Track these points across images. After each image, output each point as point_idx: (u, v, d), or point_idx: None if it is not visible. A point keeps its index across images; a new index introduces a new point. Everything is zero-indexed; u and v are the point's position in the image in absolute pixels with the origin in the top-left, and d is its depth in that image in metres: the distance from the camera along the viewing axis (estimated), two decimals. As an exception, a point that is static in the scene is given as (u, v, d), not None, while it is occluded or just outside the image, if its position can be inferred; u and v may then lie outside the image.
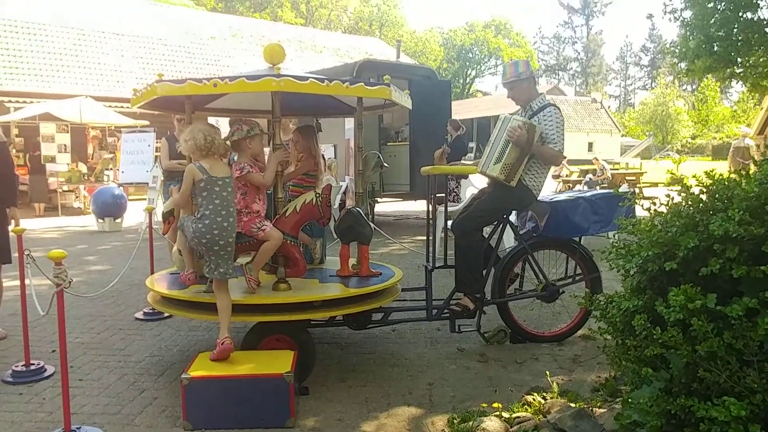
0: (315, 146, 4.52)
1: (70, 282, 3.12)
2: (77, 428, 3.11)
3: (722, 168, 2.03)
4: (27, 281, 4.03)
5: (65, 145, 15.90)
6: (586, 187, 16.11)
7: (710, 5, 11.26)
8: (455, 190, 10.32)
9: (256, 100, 4.86)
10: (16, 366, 4.03)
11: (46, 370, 4.03)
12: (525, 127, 4.21)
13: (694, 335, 1.69)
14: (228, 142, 3.91)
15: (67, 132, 15.90)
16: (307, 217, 4.05)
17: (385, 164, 9.62)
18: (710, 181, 1.95)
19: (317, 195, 4.03)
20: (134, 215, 12.33)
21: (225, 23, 29.10)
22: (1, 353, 4.44)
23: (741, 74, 12.55)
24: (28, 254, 3.99)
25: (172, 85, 3.73)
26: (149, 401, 3.59)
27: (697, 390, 1.71)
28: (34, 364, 4.03)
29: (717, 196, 1.88)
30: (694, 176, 2.04)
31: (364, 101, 4.44)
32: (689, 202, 1.98)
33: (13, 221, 4.73)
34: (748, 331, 1.62)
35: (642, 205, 2.33)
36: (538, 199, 4.57)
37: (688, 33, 12.51)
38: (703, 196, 1.97)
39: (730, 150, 15.53)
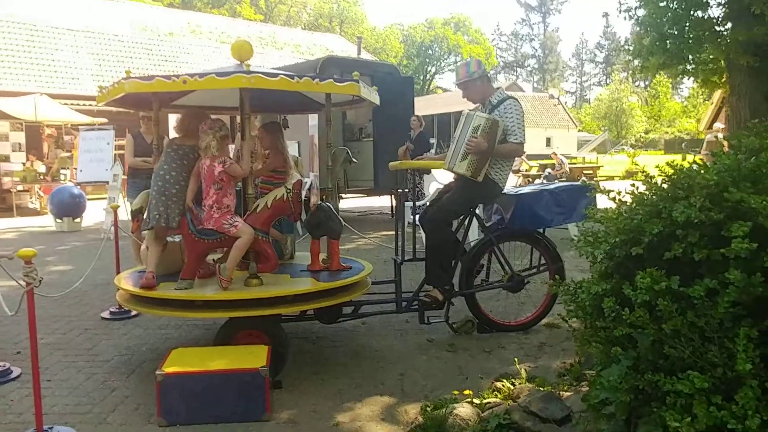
0: (281, 142, 4.54)
1: (40, 281, 3.08)
2: (49, 428, 3.08)
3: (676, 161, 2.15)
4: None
5: (20, 144, 15.51)
6: (545, 181, 16.42)
7: (663, 4, 11.57)
8: (419, 185, 10.43)
9: (222, 96, 4.85)
10: (-20, 368, 3.95)
11: (12, 371, 3.96)
12: (488, 124, 4.30)
13: (659, 315, 1.79)
14: (219, 136, 3.90)
15: (22, 130, 15.50)
16: (278, 212, 4.07)
17: (354, 160, 9.67)
18: (672, 171, 2.06)
19: (288, 191, 4.05)
20: (93, 215, 12.09)
21: (183, 19, 28.65)
22: (-37, 356, 4.34)
23: (692, 71, 12.94)
24: (-8, 254, 3.93)
25: (140, 81, 3.71)
26: (121, 399, 3.57)
27: (663, 366, 1.82)
28: (-1, 366, 3.96)
29: (679, 185, 1.99)
30: (656, 167, 2.15)
31: (333, 98, 4.47)
32: (653, 191, 2.09)
33: None
34: (709, 309, 1.73)
35: (608, 196, 2.43)
36: (504, 191, 4.68)
37: (642, 31, 12.84)
38: (666, 185, 2.09)
39: (703, 144, 16.01)
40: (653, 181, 2.13)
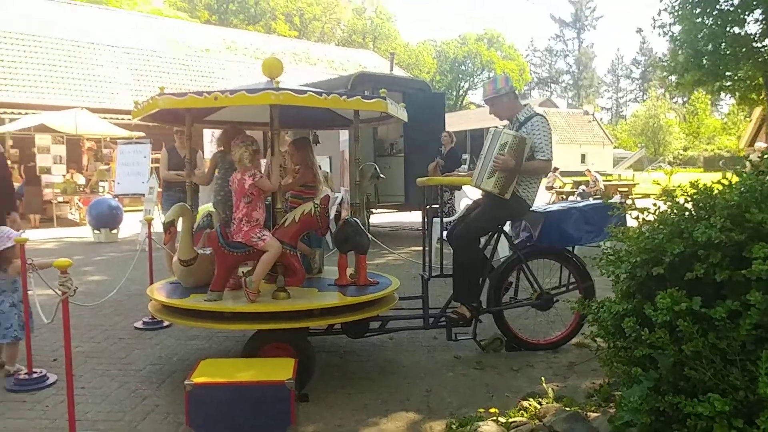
0: (311, 158, 4.62)
1: (75, 290, 3.19)
2: (82, 434, 3.17)
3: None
4: (30, 290, 4.08)
5: (61, 157, 15.99)
6: (579, 198, 16.27)
7: (698, 20, 11.46)
8: (450, 201, 10.44)
9: (254, 112, 4.95)
10: (18, 374, 4.08)
11: (48, 378, 4.08)
12: (515, 141, 4.31)
13: (680, 336, 1.78)
14: (252, 150, 4.01)
15: (63, 143, 15.99)
16: (305, 227, 4.13)
17: (382, 175, 9.71)
18: (694, 191, 2.05)
19: (316, 205, 4.11)
20: (130, 226, 12.37)
21: (219, 36, 29.27)
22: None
23: (729, 87, 12.76)
24: (30, 263, 4.07)
25: (174, 98, 3.82)
26: (151, 408, 3.65)
27: (684, 388, 1.80)
28: (36, 372, 4.08)
29: (701, 204, 1.99)
30: (679, 186, 2.14)
31: (360, 114, 4.54)
32: (675, 211, 2.08)
33: (14, 226, 4.84)
34: (731, 331, 1.72)
35: (631, 215, 2.43)
36: (532, 209, 4.67)
37: (678, 47, 12.73)
38: (689, 205, 2.08)
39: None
40: (675, 200, 2.12)
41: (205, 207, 5.01)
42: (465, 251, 4.59)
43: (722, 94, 14.60)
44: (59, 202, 15.15)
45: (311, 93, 3.82)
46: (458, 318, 4.56)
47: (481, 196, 4.84)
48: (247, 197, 3.95)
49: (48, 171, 15.49)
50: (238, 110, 4.91)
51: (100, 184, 15.44)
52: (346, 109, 4.40)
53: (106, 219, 11.53)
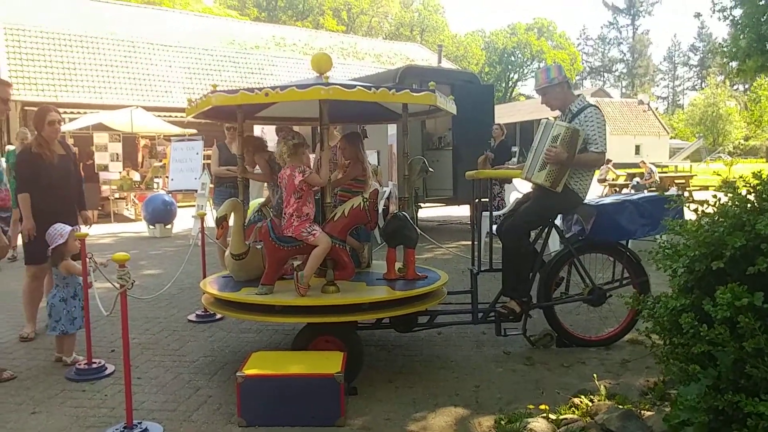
0: (361, 152, 4.63)
1: (132, 283, 3.28)
2: (138, 423, 3.26)
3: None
4: (90, 283, 4.23)
5: (117, 154, 16.51)
6: (633, 191, 15.83)
7: (761, 3, 10.98)
8: (499, 194, 10.32)
9: (303, 108, 4.99)
10: (78, 364, 4.24)
11: (106, 368, 4.23)
12: (568, 133, 4.22)
13: (741, 333, 1.71)
14: (291, 144, 4.05)
15: (119, 141, 16.50)
16: (355, 221, 4.14)
17: (431, 169, 9.68)
18: (757, 182, 1.96)
19: (365, 199, 4.12)
20: (183, 221, 12.68)
21: (268, 33, 29.64)
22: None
23: (795, 73, 12.18)
24: (90, 257, 4.22)
25: (226, 95, 3.88)
26: (204, 399, 3.73)
27: (745, 386, 1.73)
28: (95, 363, 4.22)
29: (764, 195, 1.89)
30: (741, 177, 2.05)
31: (409, 107, 4.52)
32: (736, 203, 1.99)
33: (87, 222, 5.08)
34: (796, 329, 1.64)
35: (689, 207, 2.34)
36: (585, 202, 4.57)
37: (739, 32, 12.22)
38: (751, 197, 1.99)
39: None
40: (737, 191, 2.03)
41: (256, 201, 5.08)
42: (514, 245, 4.53)
43: (787, 81, 13.96)
44: (116, 199, 15.65)
45: (360, 87, 3.83)
46: (508, 313, 4.51)
47: (531, 189, 4.76)
48: (297, 193, 3.99)
49: (105, 168, 16.01)
50: (288, 106, 4.96)
51: (155, 180, 15.88)
52: (394, 102, 4.38)
53: (161, 214, 11.85)
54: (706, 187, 20.74)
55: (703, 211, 2.18)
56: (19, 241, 5.26)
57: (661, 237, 2.55)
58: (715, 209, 2.10)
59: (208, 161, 8.99)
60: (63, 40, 21.16)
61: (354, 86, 3.84)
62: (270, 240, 4.00)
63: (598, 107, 4.49)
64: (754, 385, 1.71)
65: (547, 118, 4.53)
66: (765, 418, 1.60)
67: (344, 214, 4.09)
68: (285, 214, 4.04)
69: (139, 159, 17.79)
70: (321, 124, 4.18)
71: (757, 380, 1.69)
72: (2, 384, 4.02)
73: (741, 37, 12.09)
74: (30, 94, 18.82)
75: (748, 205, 1.96)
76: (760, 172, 2.04)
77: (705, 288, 1.95)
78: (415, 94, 4.03)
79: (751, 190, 1.99)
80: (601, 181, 19.27)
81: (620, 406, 3.12)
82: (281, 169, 4.18)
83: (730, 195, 2.03)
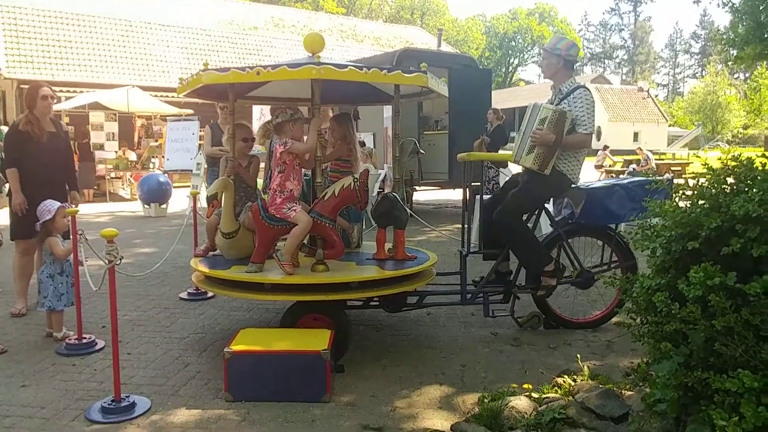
0: (350, 133, 4.64)
1: (121, 259, 3.31)
2: (126, 397, 3.30)
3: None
4: (81, 260, 4.25)
5: (113, 133, 16.44)
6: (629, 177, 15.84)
7: (761, -10, 10.94)
8: (495, 178, 10.32)
9: (296, 88, 4.98)
10: (68, 339, 4.27)
11: (96, 343, 4.26)
12: (555, 115, 4.23)
13: (712, 311, 1.74)
14: (272, 125, 4.06)
15: (115, 120, 16.44)
16: (345, 201, 4.15)
17: (422, 150, 9.65)
18: (735, 164, 1.98)
19: (355, 180, 4.13)
20: (179, 201, 12.68)
21: (267, 13, 29.42)
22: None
23: (793, 61, 12.16)
24: (81, 234, 4.23)
25: (217, 73, 3.87)
26: (193, 374, 3.77)
27: (714, 364, 1.76)
28: (86, 338, 4.26)
29: (742, 177, 1.91)
30: (719, 159, 2.07)
31: (402, 89, 4.52)
32: (714, 184, 2.01)
33: (74, 202, 5.07)
34: (765, 308, 1.67)
35: (673, 191, 2.36)
36: (574, 185, 4.58)
37: (738, 19, 12.18)
38: (729, 179, 2.01)
39: None
40: (715, 173, 2.05)
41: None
42: (510, 229, 4.50)
43: (786, 69, 13.93)
44: (112, 178, 15.63)
45: (352, 67, 3.83)
46: (548, 291, 4.52)
47: (521, 172, 4.77)
48: (279, 167, 3.99)
49: (101, 147, 15.95)
50: (281, 86, 4.95)
51: (151, 160, 15.84)
52: (386, 83, 4.38)
53: (156, 194, 11.85)
54: (702, 175, 20.70)
55: (683, 192, 2.21)
56: (6, 221, 5.26)
57: (651, 220, 2.56)
58: (694, 191, 2.11)
59: (203, 141, 8.98)
60: (59, 18, 20.98)
61: (346, 66, 3.84)
62: (260, 219, 4.01)
63: (588, 89, 4.50)
64: (723, 363, 1.74)
65: (535, 102, 4.53)
66: (732, 395, 1.63)
67: (334, 193, 4.10)
68: (269, 189, 4.05)
69: (135, 138, 17.73)
70: (313, 104, 4.19)
71: (726, 358, 1.72)
72: (-7, 358, 4.05)
73: (740, 24, 12.05)
74: (26, 73, 18.70)
75: (726, 188, 1.98)
76: (739, 155, 2.06)
77: (681, 268, 1.98)
78: (406, 75, 4.03)
79: (730, 173, 2.01)
80: (598, 167, 19.30)
81: (602, 386, 3.17)
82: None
83: (708, 177, 2.06)
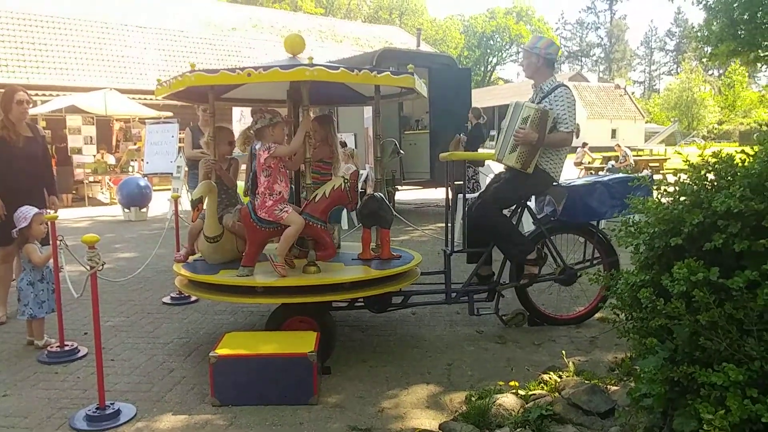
0: (332, 134, 4.63)
1: (103, 265, 3.27)
2: (111, 404, 3.26)
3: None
4: (60, 266, 4.20)
5: (91, 137, 16.25)
6: (607, 174, 15.99)
7: (734, -12, 11.12)
8: (474, 177, 10.37)
9: (272, 90, 4.96)
10: (50, 347, 4.21)
11: (79, 350, 4.20)
12: (538, 115, 4.26)
13: (696, 306, 1.76)
14: (252, 131, 4.04)
15: (93, 124, 16.24)
16: (336, 201, 4.14)
17: (401, 151, 9.67)
18: (715, 160, 2.01)
19: (345, 181, 4.12)
20: (159, 205, 12.57)
21: (245, 14, 29.28)
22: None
23: (766, 57, 12.38)
24: (61, 240, 4.18)
25: (206, 74, 3.81)
26: (178, 380, 3.74)
27: (700, 358, 1.79)
28: (68, 345, 4.20)
29: (722, 174, 1.94)
30: (700, 155, 2.10)
31: (382, 90, 4.52)
32: (695, 181, 2.04)
33: (52, 207, 5.00)
34: (748, 302, 1.69)
35: (655, 188, 2.39)
36: (556, 183, 4.62)
37: (712, 16, 12.36)
38: (710, 175, 2.04)
39: None
40: (695, 169, 2.08)
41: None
42: (489, 219, 4.51)
43: (759, 65, 14.19)
44: (90, 182, 15.44)
45: (344, 69, 3.83)
46: (530, 280, 4.56)
47: (503, 171, 4.79)
48: (265, 171, 3.97)
49: (79, 151, 15.76)
50: (256, 88, 4.91)
51: (130, 163, 15.68)
52: (374, 84, 4.36)
53: (136, 198, 11.73)
54: (680, 171, 20.94)
55: (665, 189, 2.23)
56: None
57: (633, 217, 2.59)
58: (676, 188, 2.14)
59: (183, 144, 8.90)
60: (34, 21, 20.70)
61: (338, 68, 3.84)
62: (251, 221, 3.98)
63: (568, 87, 4.55)
64: (708, 357, 1.77)
65: (516, 100, 4.56)
66: (717, 388, 1.66)
67: (325, 194, 4.08)
68: (258, 193, 4.03)
69: (114, 142, 17.53)
70: (302, 106, 4.17)
71: (711, 352, 1.75)
72: (-27, 367, 3.98)
73: (714, 22, 12.23)
74: (0, 77, 18.41)
75: (707, 184, 2.01)
76: (719, 151, 2.09)
77: (664, 264, 2.00)
78: (395, 76, 4.04)
79: (710, 169, 2.04)
80: (578, 164, 19.46)
81: (587, 382, 3.20)
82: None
83: (689, 173, 2.08)
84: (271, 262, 3.96)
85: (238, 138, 4.68)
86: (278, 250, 3.95)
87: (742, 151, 2.02)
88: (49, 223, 4.27)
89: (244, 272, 3.94)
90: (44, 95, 17.57)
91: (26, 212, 4.33)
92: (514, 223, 4.75)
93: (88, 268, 3.24)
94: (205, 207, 4.31)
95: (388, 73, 4.03)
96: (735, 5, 11.12)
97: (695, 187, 2.01)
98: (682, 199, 2.08)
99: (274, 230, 4.01)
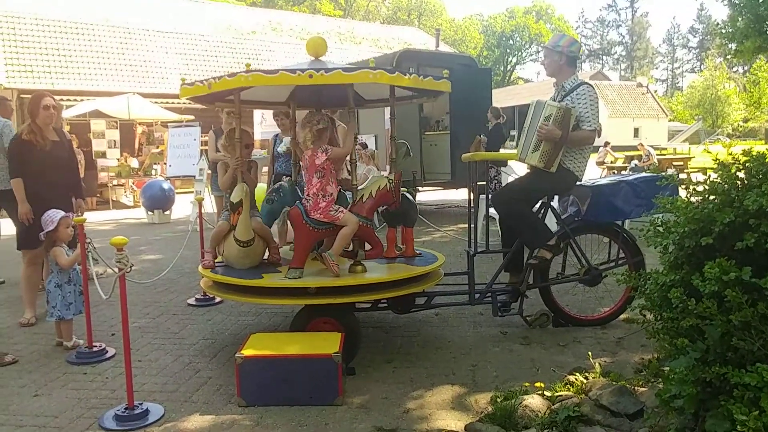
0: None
1: (131, 267, 3.31)
2: (139, 404, 3.30)
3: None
4: (89, 267, 4.26)
5: (115, 141, 16.48)
6: (631, 173, 15.82)
7: (759, -17, 10.92)
8: (496, 177, 10.32)
9: (274, 93, 4.97)
10: (79, 348, 4.28)
11: (107, 351, 4.27)
12: (560, 113, 4.23)
13: (728, 306, 1.74)
14: (314, 130, 4.07)
15: (117, 128, 16.47)
16: (381, 201, 4.18)
17: (410, 153, 9.68)
18: (746, 158, 1.98)
19: (390, 181, 4.18)
20: (182, 207, 12.69)
21: (265, 18, 29.45)
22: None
23: (792, 54, 12.15)
24: (89, 243, 4.24)
25: (264, 75, 3.75)
26: (204, 380, 3.78)
27: (732, 359, 1.76)
28: (96, 346, 4.26)
29: (753, 172, 1.92)
30: (730, 154, 2.07)
31: (396, 92, 4.53)
32: (725, 179, 2.02)
33: (79, 210, 5.08)
34: (783, 301, 1.67)
35: (684, 187, 2.37)
36: (580, 183, 4.59)
37: (737, 13, 12.15)
38: (741, 174, 2.01)
39: None
40: (726, 168, 2.05)
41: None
42: (509, 207, 4.49)
43: (785, 62, 13.88)
44: (114, 185, 15.64)
45: (399, 73, 3.90)
46: (540, 262, 4.51)
47: (527, 171, 4.77)
48: (318, 172, 4.02)
49: (103, 155, 15.99)
50: (262, 90, 4.85)
51: (153, 166, 15.86)
52: (418, 88, 4.36)
53: (159, 201, 11.86)
54: (704, 170, 20.67)
55: (694, 188, 2.21)
56: (13, 229, 5.26)
57: (646, 215, 2.56)
58: (706, 187, 2.12)
59: (206, 147, 8.99)
60: (58, 27, 21.02)
61: (394, 71, 3.91)
62: (303, 223, 3.98)
63: (591, 85, 4.51)
64: (741, 357, 1.75)
65: (538, 99, 4.54)
66: (751, 389, 1.63)
67: (372, 194, 4.13)
68: (309, 195, 4.04)
69: (137, 146, 17.76)
70: (348, 108, 4.24)
71: (744, 352, 1.73)
72: (4, 368, 4.06)
73: (739, 18, 12.03)
74: (26, 82, 18.74)
75: (737, 182, 1.99)
76: (750, 149, 2.06)
77: (694, 264, 1.98)
78: (436, 81, 4.14)
79: (741, 168, 2.02)
80: (600, 163, 19.28)
81: (614, 383, 3.17)
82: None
83: (719, 172, 2.06)
84: (327, 260, 3.95)
85: (294, 138, 4.70)
86: (334, 250, 3.97)
87: (773, 148, 1.99)
88: (77, 226, 4.33)
89: (295, 274, 3.93)
90: (69, 100, 17.84)
91: (53, 216, 4.41)
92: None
93: (117, 270, 3.29)
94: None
95: (431, 78, 4.14)
96: (761, 1, 10.93)
97: (726, 185, 1.99)
98: (712, 198, 2.05)
99: (327, 231, 4.05)
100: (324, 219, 3.96)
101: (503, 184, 9.91)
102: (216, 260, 4.48)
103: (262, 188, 5.09)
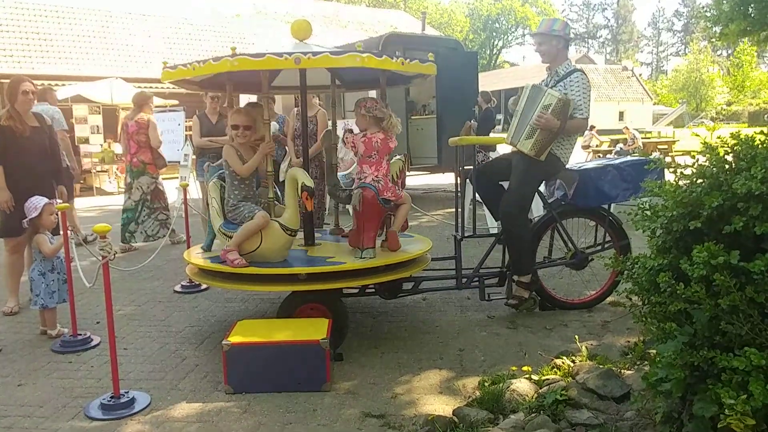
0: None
1: (114, 254, 3.27)
2: (125, 392, 3.28)
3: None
4: (72, 255, 4.21)
5: (98, 126, 16.25)
6: (616, 157, 15.89)
7: (744, -34, 10.93)
8: (484, 161, 10.30)
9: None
10: (63, 336, 4.24)
11: (92, 339, 4.23)
12: (560, 104, 4.18)
13: (716, 290, 1.74)
14: (371, 117, 4.16)
15: (99, 113, 16.24)
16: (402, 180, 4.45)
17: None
18: (735, 142, 1.98)
19: (403, 162, 4.44)
20: (167, 193, 12.54)
21: (249, 1, 29.09)
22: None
23: (777, 37, 12.19)
24: (71, 230, 4.18)
25: (250, 59, 3.68)
26: (191, 368, 3.75)
27: (720, 343, 1.77)
28: (81, 335, 4.22)
29: (741, 155, 1.91)
30: (718, 137, 2.07)
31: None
32: (714, 163, 2.01)
33: (61, 197, 5.00)
34: (770, 285, 1.67)
35: (670, 170, 2.36)
36: (567, 167, 4.58)
37: (722, -4, 12.16)
38: (729, 157, 2.01)
39: None
40: (714, 151, 2.05)
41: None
42: (513, 225, 4.43)
43: (769, 45, 13.93)
44: (98, 172, 15.46)
45: (386, 56, 3.92)
46: (518, 302, 4.51)
47: (512, 152, 4.72)
48: (387, 156, 4.19)
49: (86, 141, 15.78)
50: (247, 75, 4.77)
51: (137, 152, 15.63)
52: (400, 71, 4.31)
53: (144, 187, 11.69)
54: (689, 153, 20.78)
55: (681, 172, 2.20)
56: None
57: (641, 199, 2.56)
58: (693, 170, 2.11)
59: (190, 132, 8.88)
60: (38, 10, 20.62)
61: (382, 55, 3.93)
62: (378, 203, 4.07)
63: (583, 72, 4.48)
64: (729, 341, 1.75)
65: (532, 84, 4.49)
66: (739, 373, 1.64)
67: (397, 174, 4.38)
68: (378, 176, 4.10)
69: (120, 131, 17.52)
70: (382, 90, 4.40)
71: (732, 336, 1.73)
72: (-13, 357, 4.01)
73: (724, 1, 12.05)
74: (6, 67, 18.39)
75: (726, 166, 1.98)
76: (738, 132, 2.06)
77: (682, 248, 1.98)
78: (422, 64, 4.17)
79: (729, 151, 2.01)
80: (585, 147, 19.36)
81: (601, 366, 3.19)
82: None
83: (708, 155, 2.05)
84: (395, 239, 4.22)
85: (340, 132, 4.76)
86: (396, 225, 4.30)
87: (762, 132, 1.98)
88: (59, 213, 4.27)
89: (369, 254, 4.01)
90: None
91: (36, 202, 4.34)
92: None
93: (100, 257, 3.24)
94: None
95: (417, 61, 4.18)
96: (746, -17, 10.94)
97: (714, 169, 1.98)
98: (700, 181, 2.05)
99: (389, 208, 4.24)
100: (392, 198, 4.14)
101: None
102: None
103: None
